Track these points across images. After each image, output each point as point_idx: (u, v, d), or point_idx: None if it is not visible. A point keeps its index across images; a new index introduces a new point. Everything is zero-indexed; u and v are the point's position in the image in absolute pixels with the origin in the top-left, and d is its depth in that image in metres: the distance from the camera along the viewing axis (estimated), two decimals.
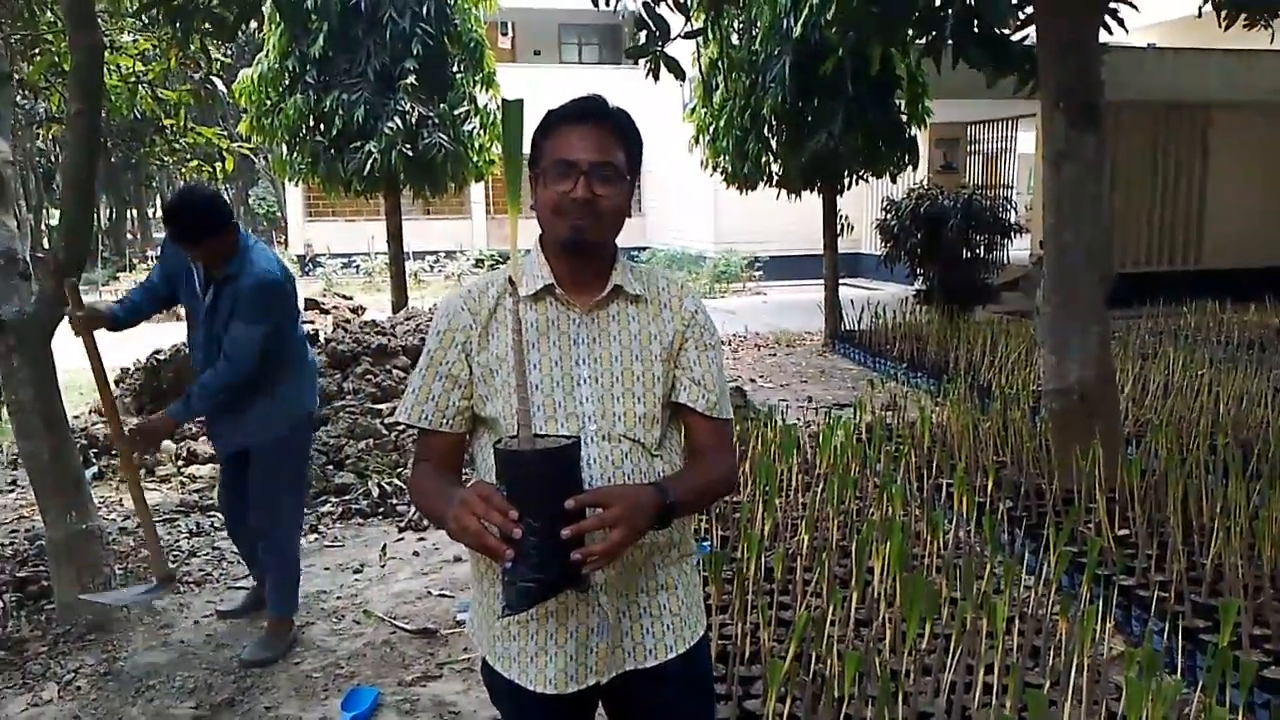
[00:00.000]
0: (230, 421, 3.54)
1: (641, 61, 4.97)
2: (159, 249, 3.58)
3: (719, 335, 1.76)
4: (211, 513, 5.11)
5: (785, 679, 2.60)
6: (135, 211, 28.82)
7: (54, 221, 22.89)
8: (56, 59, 6.26)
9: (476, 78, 9.60)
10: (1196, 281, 11.90)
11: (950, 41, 4.89)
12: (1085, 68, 4.43)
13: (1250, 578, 3.36)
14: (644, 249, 20.01)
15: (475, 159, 9.65)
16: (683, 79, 4.95)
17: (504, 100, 1.39)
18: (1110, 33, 4.79)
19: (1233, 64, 12.10)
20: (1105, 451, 4.25)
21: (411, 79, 8.91)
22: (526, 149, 1.51)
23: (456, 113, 9.34)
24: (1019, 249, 12.13)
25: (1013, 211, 10.32)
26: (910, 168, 9.47)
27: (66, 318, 3.37)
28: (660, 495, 1.49)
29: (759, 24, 8.70)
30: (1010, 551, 4.15)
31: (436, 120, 9.06)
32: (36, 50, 6.44)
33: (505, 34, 23.37)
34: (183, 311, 3.61)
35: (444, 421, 1.65)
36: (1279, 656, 2.95)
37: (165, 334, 7.46)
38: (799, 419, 5.81)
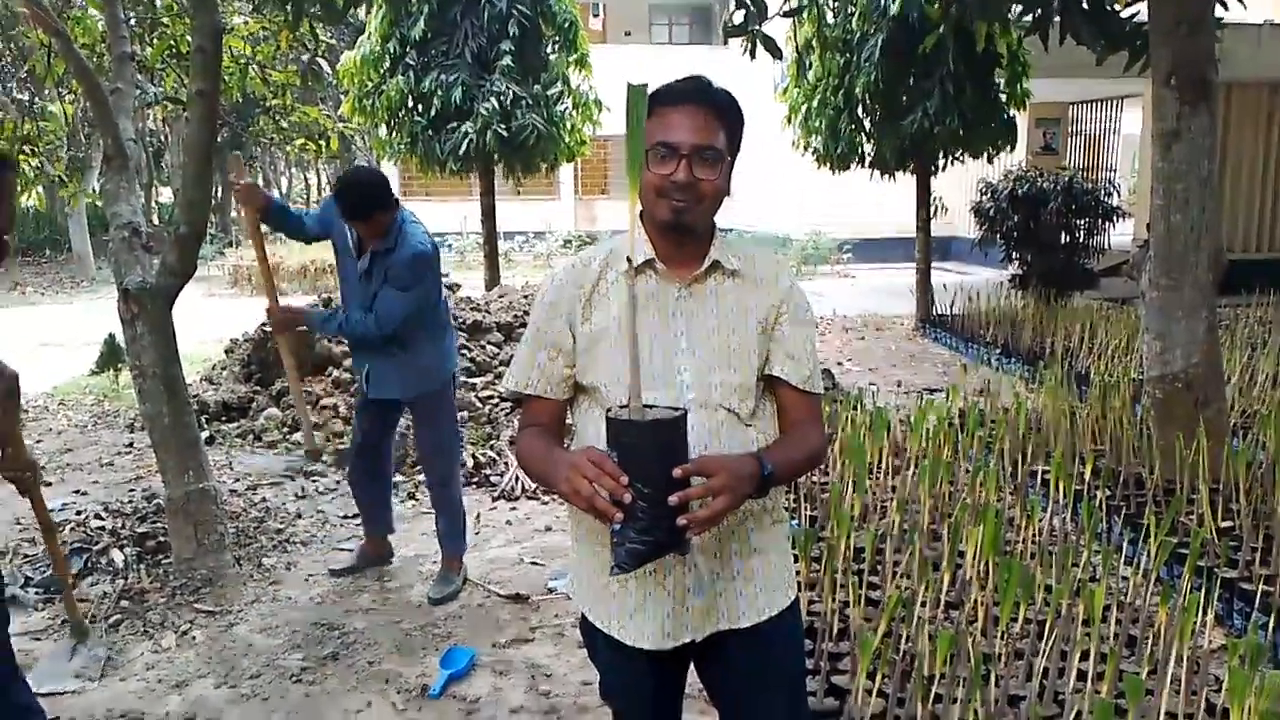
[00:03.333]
0: (391, 372, 3.82)
1: (735, 41, 4.97)
2: (321, 204, 4.02)
3: (812, 312, 1.80)
4: (315, 477, 5.32)
5: (874, 656, 2.62)
6: None
7: (163, 199, 23.84)
8: (174, 41, 6.54)
9: (570, 59, 9.68)
10: None
11: (1057, 18, 4.76)
12: (1199, 44, 4.27)
13: None
14: (729, 230, 19.92)
15: (567, 139, 9.74)
16: (780, 57, 4.94)
17: (629, 85, 1.41)
18: (1226, 8, 4.60)
19: None
20: (1210, 441, 4.12)
21: (507, 60, 9.04)
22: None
23: (550, 93, 9.44)
24: (1121, 234, 11.73)
25: (1115, 195, 9.99)
26: (1008, 149, 9.24)
27: (232, 187, 3.74)
28: (759, 465, 1.55)
29: (856, 2, 8.58)
30: (1107, 540, 4.06)
31: (530, 101, 9.18)
32: (155, 33, 6.74)
33: (596, 15, 23.45)
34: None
35: (548, 388, 1.73)
36: None
37: None
38: (888, 403, 5.76)
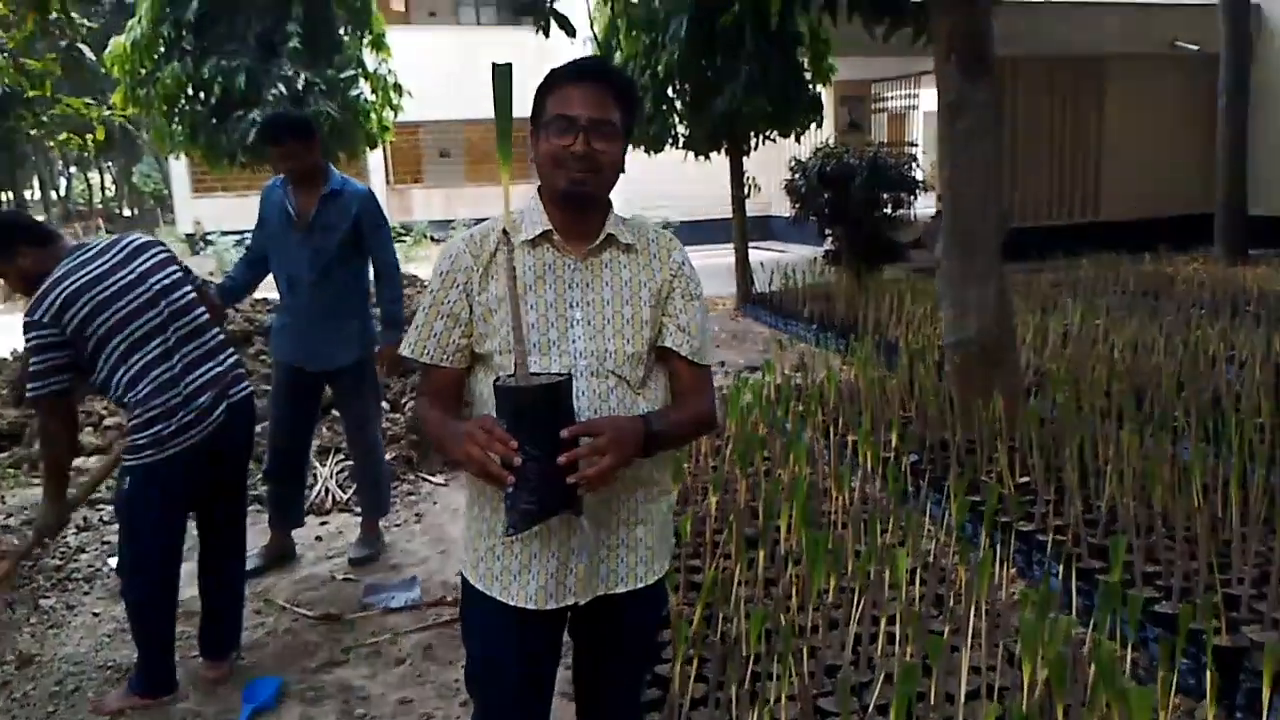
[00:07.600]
0: (337, 336, 3.86)
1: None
2: (259, 207, 3.95)
3: (702, 288, 1.90)
4: (100, 506, 4.84)
5: (694, 640, 2.57)
6: (10, 195, 27.31)
7: None
8: None
9: (364, 40, 9.25)
10: (1095, 234, 12.25)
11: None
12: (975, 18, 4.45)
13: (1143, 518, 3.45)
14: None
15: (367, 125, 9.30)
16: (573, 35, 4.84)
17: (494, 64, 1.45)
18: None
19: (1127, 16, 12.38)
20: (1005, 401, 4.32)
21: (294, 42, 8.51)
22: (518, 111, 1.59)
23: (343, 77, 8.97)
24: (926, 206, 12.30)
25: (918, 169, 10.44)
26: (816, 126, 9.49)
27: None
28: (645, 424, 1.66)
29: None
30: (915, 502, 4.19)
31: (323, 86, 8.69)
32: None
33: None
34: None
35: (445, 357, 1.79)
36: (1169, 592, 3.03)
37: None
38: None
